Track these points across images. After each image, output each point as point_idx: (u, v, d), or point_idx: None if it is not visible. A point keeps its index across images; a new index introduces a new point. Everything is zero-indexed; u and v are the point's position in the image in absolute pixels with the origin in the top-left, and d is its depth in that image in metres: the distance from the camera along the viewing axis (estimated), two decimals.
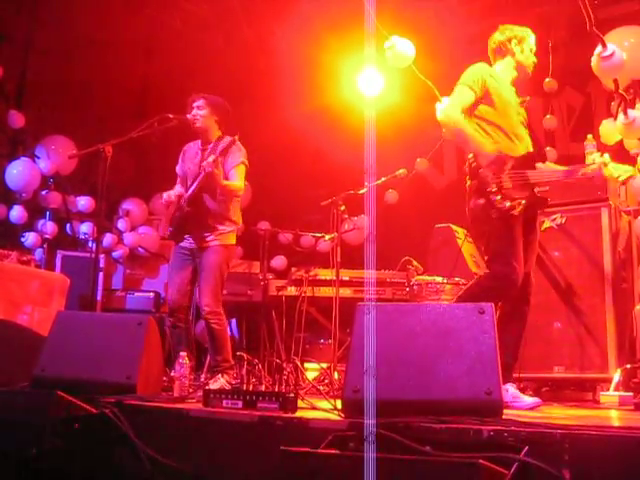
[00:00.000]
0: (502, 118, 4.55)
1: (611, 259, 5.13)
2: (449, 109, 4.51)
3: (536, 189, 4.43)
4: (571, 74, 7.65)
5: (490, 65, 4.77)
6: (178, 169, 5.78)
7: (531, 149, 4.63)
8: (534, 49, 4.77)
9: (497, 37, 4.80)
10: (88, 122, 8.70)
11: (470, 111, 4.57)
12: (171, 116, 5.43)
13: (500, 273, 4.26)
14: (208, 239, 5.43)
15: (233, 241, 5.58)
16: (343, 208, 6.21)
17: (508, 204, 4.27)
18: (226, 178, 5.43)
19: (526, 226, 4.41)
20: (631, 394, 4.60)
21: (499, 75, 4.69)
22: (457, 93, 4.57)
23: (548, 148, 7.56)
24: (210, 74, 8.63)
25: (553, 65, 6.38)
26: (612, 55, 4.52)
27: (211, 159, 5.22)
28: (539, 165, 4.54)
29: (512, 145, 4.52)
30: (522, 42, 4.72)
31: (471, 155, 4.47)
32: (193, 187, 5.42)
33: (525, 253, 4.34)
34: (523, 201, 4.27)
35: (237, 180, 5.50)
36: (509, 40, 4.73)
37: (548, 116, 7.64)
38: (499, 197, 4.28)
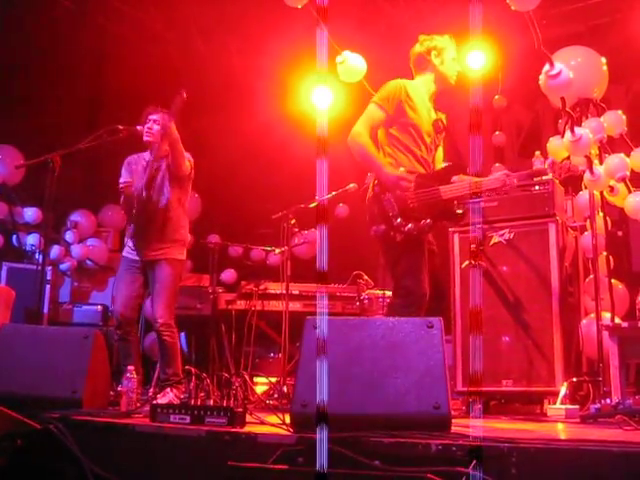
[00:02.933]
0: (414, 141, 4.63)
1: (558, 274, 5.19)
2: (355, 128, 4.59)
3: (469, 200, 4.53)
4: (520, 92, 7.78)
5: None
6: (122, 181, 5.68)
7: (443, 164, 4.73)
8: (456, 57, 4.79)
9: (416, 49, 4.82)
10: (37, 132, 8.56)
11: (381, 129, 4.67)
12: (120, 127, 5.36)
13: (410, 288, 4.37)
14: (164, 250, 5.38)
15: (184, 256, 5.54)
16: (293, 222, 6.22)
17: (410, 225, 4.37)
18: (175, 181, 5.45)
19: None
20: (577, 407, 4.67)
21: (418, 92, 4.71)
22: (366, 112, 4.64)
23: (497, 164, 7.66)
24: (162, 85, 8.56)
25: (502, 83, 6.47)
26: (559, 74, 4.58)
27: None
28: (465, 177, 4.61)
29: (420, 168, 4.61)
30: (442, 52, 4.74)
31: (375, 180, 4.54)
32: (146, 174, 5.40)
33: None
34: (428, 220, 4.38)
35: None
36: (428, 52, 4.76)
37: (497, 132, 7.74)
38: (400, 219, 4.38)
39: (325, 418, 2.84)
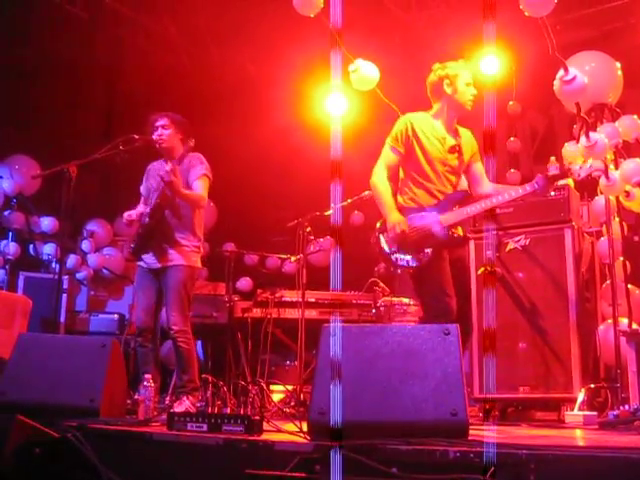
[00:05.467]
0: (426, 175, 4.77)
1: (574, 279, 5.17)
2: (375, 170, 4.82)
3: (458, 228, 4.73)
4: (534, 97, 7.75)
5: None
6: (142, 189, 5.73)
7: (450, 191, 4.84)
8: (471, 81, 4.86)
9: (430, 78, 4.92)
10: (53, 142, 8.61)
11: (401, 168, 4.86)
12: (136, 137, 5.39)
13: (433, 310, 4.56)
14: (171, 257, 5.37)
15: (198, 263, 5.52)
16: (309, 229, 6.22)
17: (409, 257, 4.62)
18: (189, 189, 5.41)
19: (452, 266, 4.70)
20: (595, 413, 4.63)
21: (427, 125, 4.83)
22: (383, 154, 4.85)
23: (512, 170, 7.64)
24: (175, 94, 8.61)
25: (517, 88, 6.45)
26: (574, 79, 4.58)
27: (168, 167, 5.19)
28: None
29: (432, 200, 4.77)
30: (455, 80, 4.81)
31: (381, 219, 4.79)
32: (154, 199, 5.37)
33: (456, 289, 4.63)
34: (427, 249, 4.59)
35: (201, 191, 5.46)
36: (441, 81, 4.85)
37: (512, 138, 7.72)
38: (395, 256, 4.66)
39: (342, 425, 2.83)
